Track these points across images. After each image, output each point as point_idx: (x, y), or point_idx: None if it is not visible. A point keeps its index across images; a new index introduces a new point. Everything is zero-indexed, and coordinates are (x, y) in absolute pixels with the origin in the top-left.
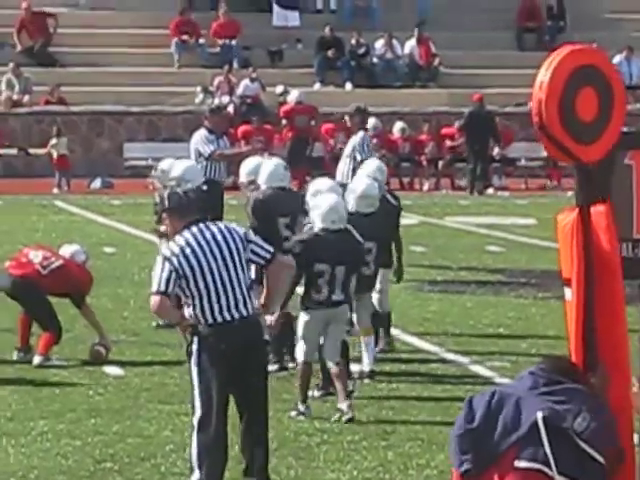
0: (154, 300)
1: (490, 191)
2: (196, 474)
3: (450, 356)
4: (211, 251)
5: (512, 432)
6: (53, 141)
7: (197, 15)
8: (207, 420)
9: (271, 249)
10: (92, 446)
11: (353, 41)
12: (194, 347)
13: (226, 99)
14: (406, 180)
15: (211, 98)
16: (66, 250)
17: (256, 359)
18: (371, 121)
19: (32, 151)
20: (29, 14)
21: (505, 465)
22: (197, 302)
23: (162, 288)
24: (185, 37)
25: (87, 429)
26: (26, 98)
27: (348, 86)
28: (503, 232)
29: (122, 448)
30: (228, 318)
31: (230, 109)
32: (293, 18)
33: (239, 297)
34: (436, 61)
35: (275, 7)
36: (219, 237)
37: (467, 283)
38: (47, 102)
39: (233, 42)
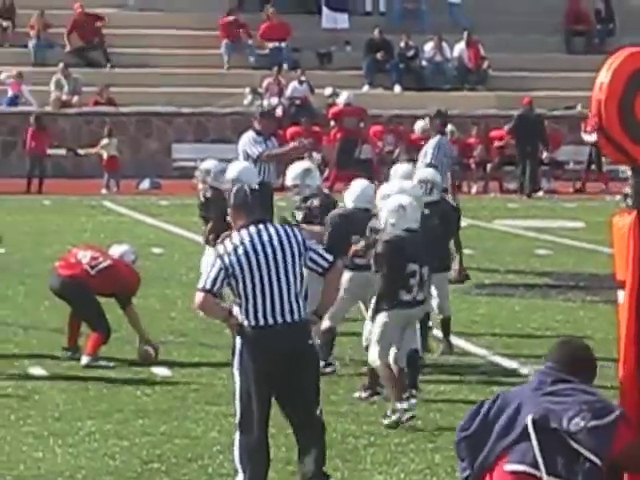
0: (198, 297)
1: (539, 194)
2: (240, 476)
3: (498, 359)
4: (264, 253)
5: (505, 436)
6: (104, 142)
7: (246, 16)
8: (247, 422)
9: (330, 258)
10: (139, 447)
11: (402, 44)
12: (237, 348)
13: (275, 101)
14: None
15: (260, 99)
16: (116, 250)
17: (300, 364)
18: (419, 123)
19: (81, 152)
20: (82, 15)
21: (498, 470)
22: (243, 303)
23: (208, 286)
24: (234, 38)
25: (135, 429)
26: (75, 99)
27: (397, 88)
28: (551, 235)
29: (169, 449)
30: (271, 322)
31: (279, 111)
32: (342, 20)
33: (286, 303)
34: (485, 64)
35: (324, 9)
36: (275, 240)
37: (515, 286)
38: (96, 103)
39: (282, 44)
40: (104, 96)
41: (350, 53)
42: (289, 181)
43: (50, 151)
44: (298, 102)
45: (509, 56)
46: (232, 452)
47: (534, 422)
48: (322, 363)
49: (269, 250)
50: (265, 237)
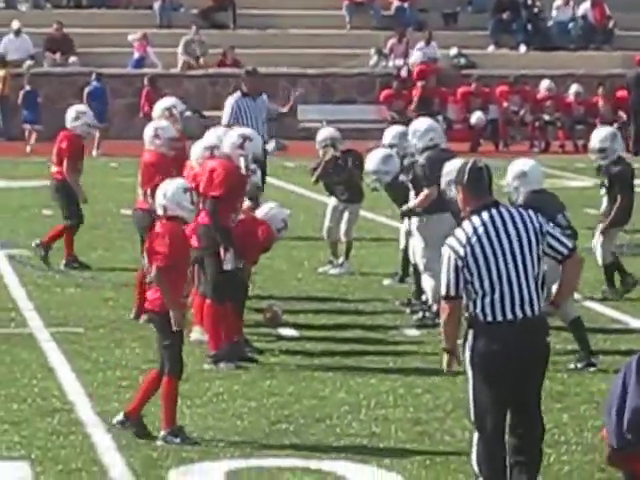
0: (443, 308)
1: None
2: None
3: (626, 318)
4: (499, 242)
5: None
6: None
7: None
8: (482, 422)
9: (570, 244)
10: (267, 407)
11: (528, 2)
12: (468, 345)
13: (400, 62)
14: (580, 142)
15: (385, 60)
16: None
17: (535, 362)
18: (545, 83)
19: (207, 113)
20: None
21: None
22: (479, 297)
23: (452, 291)
24: None
25: (262, 390)
26: (201, 60)
27: (522, 48)
28: None
29: (297, 409)
30: (510, 317)
31: (404, 72)
32: None
33: (525, 295)
34: (610, 23)
35: None
36: (510, 226)
37: None
38: (221, 64)
39: (406, 4)
40: (229, 58)
41: (475, 13)
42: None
43: None
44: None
45: (635, 15)
46: (470, 453)
47: None
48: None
49: (504, 237)
50: (499, 222)
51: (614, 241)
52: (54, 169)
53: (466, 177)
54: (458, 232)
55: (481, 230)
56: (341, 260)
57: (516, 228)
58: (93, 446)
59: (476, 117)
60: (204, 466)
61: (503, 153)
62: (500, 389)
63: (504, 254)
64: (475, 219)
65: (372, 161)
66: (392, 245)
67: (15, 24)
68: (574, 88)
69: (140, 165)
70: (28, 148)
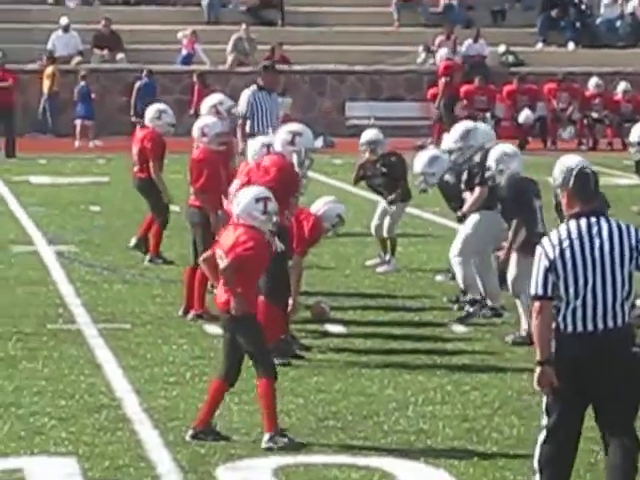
0: (534, 307)
1: None
2: (537, 477)
3: None
4: (591, 251)
5: None
6: (278, 100)
7: None
8: (553, 433)
9: None
10: (315, 404)
11: (577, 0)
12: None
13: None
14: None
15: (433, 57)
16: (320, 204)
17: (620, 373)
18: (593, 81)
19: None
20: None
21: None
22: (561, 304)
23: (540, 291)
24: None
25: (310, 387)
26: (249, 57)
27: (570, 46)
28: None
29: (345, 406)
30: (590, 328)
31: None
32: None
33: (609, 309)
34: None
35: None
36: (605, 237)
37: None
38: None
39: (454, 2)
40: (277, 54)
41: (524, 11)
42: (450, 144)
43: None
44: (472, 60)
45: None
46: (534, 450)
47: None
48: None
49: (597, 247)
50: (595, 232)
51: None
52: (136, 168)
53: (571, 182)
54: (553, 234)
55: (575, 235)
56: (387, 257)
57: (611, 240)
58: (140, 442)
59: (524, 116)
60: (252, 462)
61: (551, 151)
62: (580, 399)
63: (594, 264)
64: (572, 224)
65: (419, 163)
66: (440, 242)
67: (64, 20)
68: (622, 86)
69: (189, 162)
70: (77, 143)
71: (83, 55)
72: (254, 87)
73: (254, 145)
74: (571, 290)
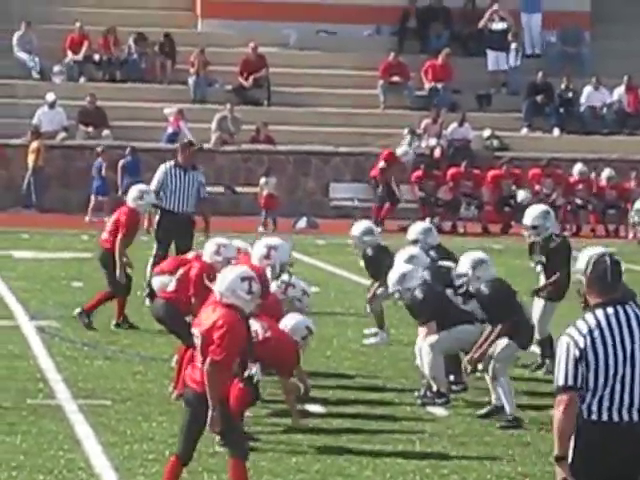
0: (562, 399)
1: None
2: None
3: None
4: (621, 339)
5: None
6: (262, 180)
7: (405, 57)
8: None
9: None
10: None
11: (562, 86)
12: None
13: (433, 142)
14: (612, 227)
15: (418, 140)
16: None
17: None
18: (577, 167)
19: (239, 189)
20: (254, 55)
21: None
22: (588, 393)
23: (570, 382)
24: (394, 78)
25: (289, 467)
26: (234, 137)
27: (556, 132)
28: None
29: None
30: (616, 419)
31: (437, 152)
32: (503, 62)
33: (636, 400)
34: None
35: (489, 51)
36: (635, 325)
37: None
38: (254, 140)
39: (440, 85)
40: (262, 134)
41: (509, 95)
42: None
43: (207, 188)
44: (457, 144)
45: None
46: None
47: None
48: None
49: (626, 335)
50: (623, 320)
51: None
52: (104, 237)
53: (590, 269)
54: (580, 323)
55: (604, 324)
56: (374, 330)
57: (639, 326)
58: None
59: (522, 196)
60: None
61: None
62: None
63: (624, 353)
64: (599, 312)
65: (391, 281)
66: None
67: (50, 96)
68: (606, 172)
69: None
70: (87, 218)
71: (68, 131)
72: (171, 162)
73: (209, 247)
74: (601, 380)
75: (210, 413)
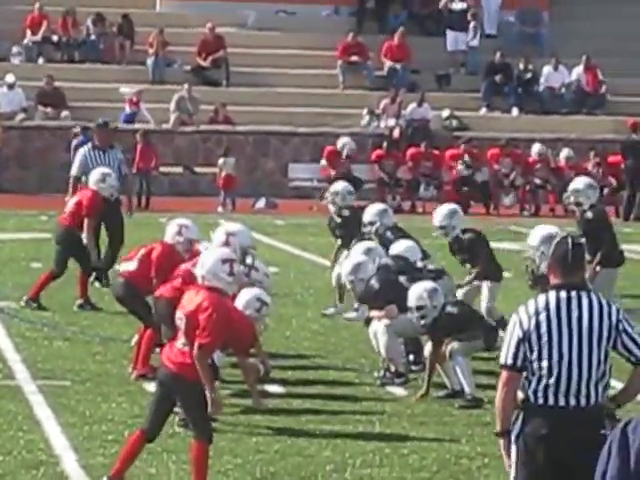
0: (502, 376)
1: None
2: None
3: None
4: (569, 326)
5: None
6: (221, 160)
7: (364, 37)
8: None
9: None
10: (253, 464)
11: (521, 66)
12: (517, 424)
13: (392, 122)
14: (571, 207)
15: (377, 120)
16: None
17: (589, 453)
18: (536, 147)
19: (198, 170)
20: (212, 36)
21: None
22: (533, 377)
23: (509, 361)
24: (353, 59)
25: (248, 447)
26: (193, 117)
27: (514, 111)
28: None
29: (283, 467)
30: (562, 403)
31: (396, 132)
32: (462, 42)
33: (582, 387)
34: (603, 88)
35: (448, 31)
36: (585, 314)
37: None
38: (212, 121)
39: (398, 65)
40: (221, 115)
41: (468, 75)
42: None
43: (166, 169)
44: (416, 124)
45: (628, 80)
46: None
47: None
48: None
49: (575, 322)
50: (574, 305)
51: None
52: (64, 215)
53: (552, 250)
54: (530, 303)
55: (553, 307)
56: (357, 305)
57: (590, 317)
58: None
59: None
60: None
61: (493, 216)
62: (541, 471)
63: (570, 340)
64: (551, 295)
65: (345, 270)
66: None
67: (9, 78)
68: (565, 152)
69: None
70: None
71: (27, 112)
72: (88, 146)
73: (171, 228)
74: (545, 364)
75: (209, 396)
